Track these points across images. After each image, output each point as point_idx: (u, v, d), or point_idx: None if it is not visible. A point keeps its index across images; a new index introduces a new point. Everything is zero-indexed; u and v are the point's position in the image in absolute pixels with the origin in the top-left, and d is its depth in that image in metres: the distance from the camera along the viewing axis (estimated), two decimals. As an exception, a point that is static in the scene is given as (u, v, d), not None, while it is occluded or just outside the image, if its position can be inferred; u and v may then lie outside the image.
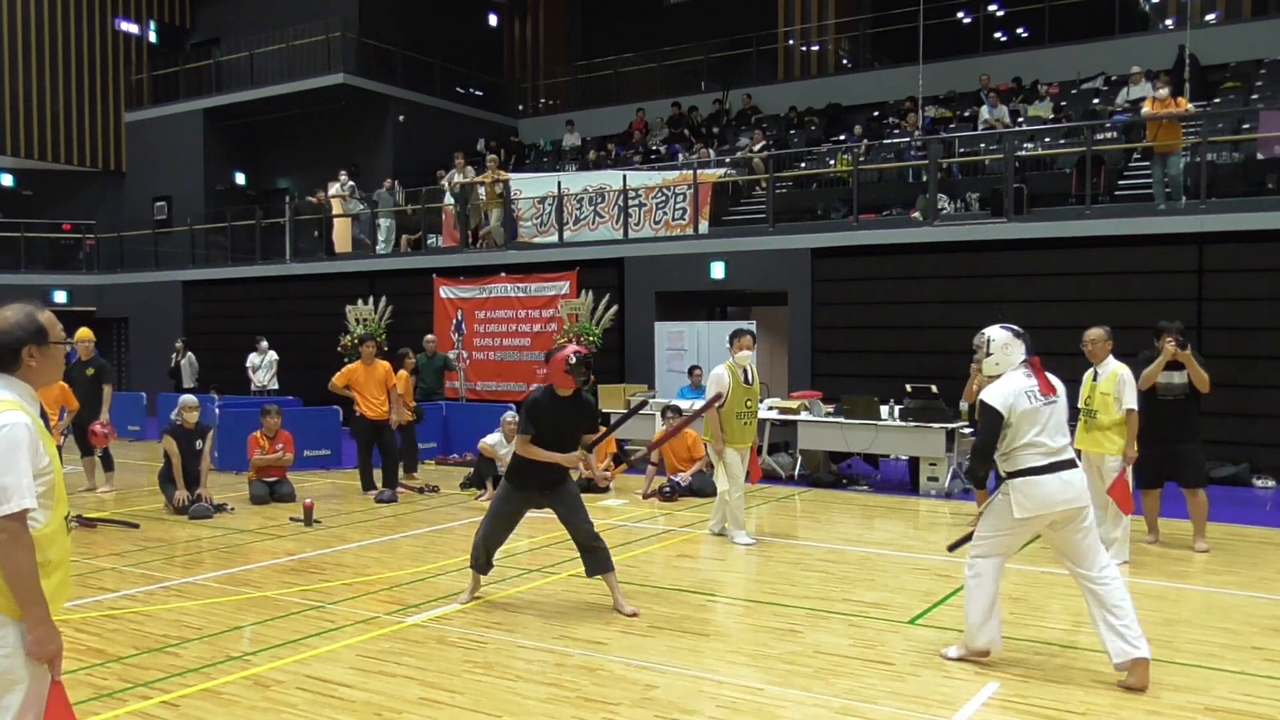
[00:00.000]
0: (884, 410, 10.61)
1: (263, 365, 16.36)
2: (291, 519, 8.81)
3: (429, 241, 18.36)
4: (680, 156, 17.70)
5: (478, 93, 25.17)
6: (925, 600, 6.07)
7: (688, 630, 5.44)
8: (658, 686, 4.53)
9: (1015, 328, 4.91)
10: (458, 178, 17.34)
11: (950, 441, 10.19)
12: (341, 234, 19.27)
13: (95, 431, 10.04)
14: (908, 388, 10.65)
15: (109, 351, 20.64)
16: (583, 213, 16.26)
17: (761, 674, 4.71)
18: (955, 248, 12.68)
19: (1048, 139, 14.74)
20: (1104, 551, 4.70)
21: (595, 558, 5.81)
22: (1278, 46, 16.17)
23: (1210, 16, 18.45)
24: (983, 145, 15.14)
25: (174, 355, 17.45)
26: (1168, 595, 6.23)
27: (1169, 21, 19.17)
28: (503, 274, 15.93)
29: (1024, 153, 14.24)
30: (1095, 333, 7.11)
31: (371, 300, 15.68)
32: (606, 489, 9.78)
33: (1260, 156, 12.71)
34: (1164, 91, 12.16)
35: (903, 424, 10.40)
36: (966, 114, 16.63)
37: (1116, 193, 13.65)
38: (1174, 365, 7.26)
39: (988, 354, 4.87)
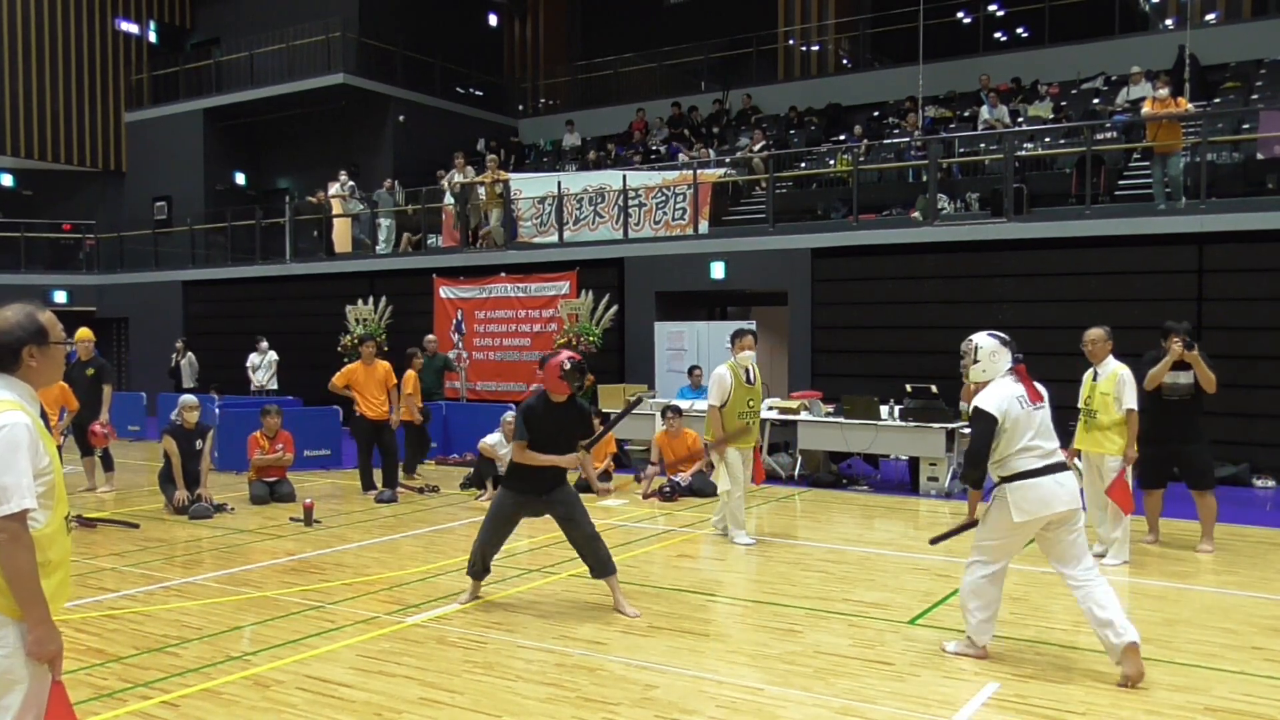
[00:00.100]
0: (884, 410, 10.61)
1: (262, 365, 16.37)
2: (291, 519, 8.81)
3: (429, 241, 18.37)
4: (680, 156, 17.70)
5: (478, 93, 25.18)
6: (925, 600, 6.07)
7: (688, 630, 5.44)
8: (658, 686, 4.53)
9: (1002, 335, 4.94)
10: (458, 178, 17.35)
11: (950, 441, 10.19)
12: (341, 234, 19.27)
13: (95, 431, 10.04)
14: (908, 388, 10.65)
15: (109, 351, 20.64)
16: (583, 213, 16.26)
17: (761, 674, 4.71)
18: (955, 248, 12.68)
19: (1048, 139, 14.74)
20: (1089, 552, 4.78)
21: (596, 561, 5.80)
22: (1278, 46, 16.17)
23: (1210, 16, 18.45)
24: (983, 145, 15.15)
25: (174, 355, 17.46)
26: (1168, 595, 6.23)
27: (1169, 21, 19.17)
28: (503, 274, 15.93)
29: (1024, 153, 14.24)
30: (1095, 333, 7.12)
31: (371, 300, 15.68)
32: (606, 493, 9.76)
33: (1260, 156, 12.71)
34: (1164, 91, 12.16)
35: (903, 424, 10.40)
36: (966, 114, 16.63)
37: (1116, 193, 13.65)
38: (1180, 365, 7.24)
39: (975, 361, 4.90)
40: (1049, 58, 18.31)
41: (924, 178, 14.02)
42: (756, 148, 16.82)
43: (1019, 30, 20.88)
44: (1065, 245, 11.96)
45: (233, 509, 9.30)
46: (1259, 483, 10.77)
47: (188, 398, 9.69)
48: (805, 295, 13.61)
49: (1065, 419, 6.17)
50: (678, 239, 14.94)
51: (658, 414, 10.98)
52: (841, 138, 17.47)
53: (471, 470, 10.78)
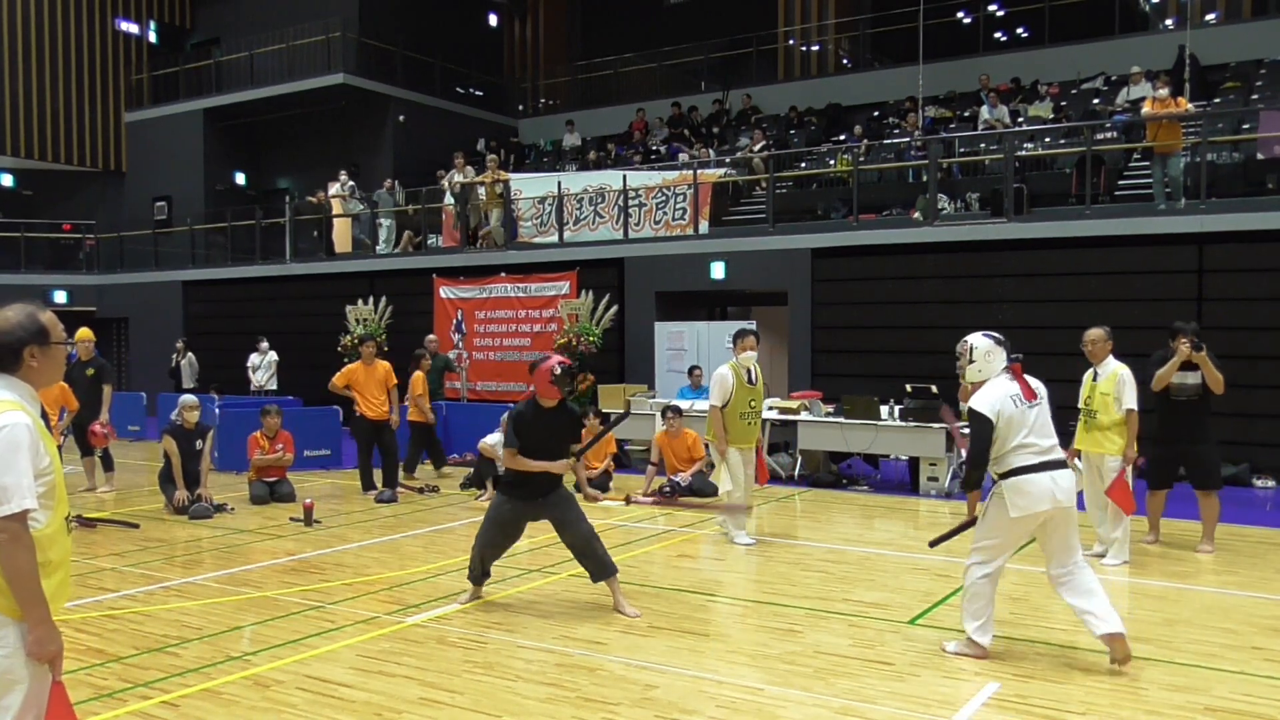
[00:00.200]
0: (884, 410, 10.61)
1: (262, 365, 16.37)
2: (291, 519, 8.82)
3: (429, 241, 18.37)
4: (680, 156, 17.70)
5: (478, 93, 25.17)
6: (925, 600, 6.07)
7: (688, 630, 5.44)
8: (658, 686, 4.53)
9: (997, 335, 4.97)
10: (458, 178, 17.35)
11: (950, 442, 10.19)
12: (341, 234, 19.27)
13: (95, 431, 10.05)
14: (908, 388, 10.65)
15: (109, 351, 20.64)
16: (583, 213, 16.26)
17: (761, 674, 4.71)
18: (955, 248, 12.68)
19: (1048, 139, 14.74)
20: (1079, 548, 4.84)
21: (595, 563, 5.79)
22: (1278, 46, 16.17)
23: (1210, 16, 18.45)
24: (983, 145, 15.15)
25: (174, 355, 17.45)
26: (1168, 595, 6.24)
27: (1169, 21, 19.17)
28: (503, 274, 15.93)
29: (1024, 153, 14.24)
30: (1095, 333, 7.12)
31: (371, 300, 15.67)
32: (596, 500, 9.75)
33: (1260, 156, 12.71)
34: (1164, 91, 12.16)
35: (903, 424, 10.41)
36: (966, 114, 16.63)
37: (1116, 193, 13.65)
38: (1188, 365, 7.22)
39: (970, 361, 4.92)
40: (1049, 58, 18.31)
41: (924, 178, 14.02)
42: (756, 148, 16.82)
43: (1019, 30, 20.88)
44: (1065, 245, 11.96)
45: (233, 509, 9.30)
46: (1259, 483, 10.77)
47: (188, 398, 9.69)
48: (805, 295, 13.61)
49: (1065, 419, 6.17)
50: (678, 239, 14.94)
51: (658, 414, 10.99)
52: (841, 138, 17.47)
53: (471, 470, 10.79)
